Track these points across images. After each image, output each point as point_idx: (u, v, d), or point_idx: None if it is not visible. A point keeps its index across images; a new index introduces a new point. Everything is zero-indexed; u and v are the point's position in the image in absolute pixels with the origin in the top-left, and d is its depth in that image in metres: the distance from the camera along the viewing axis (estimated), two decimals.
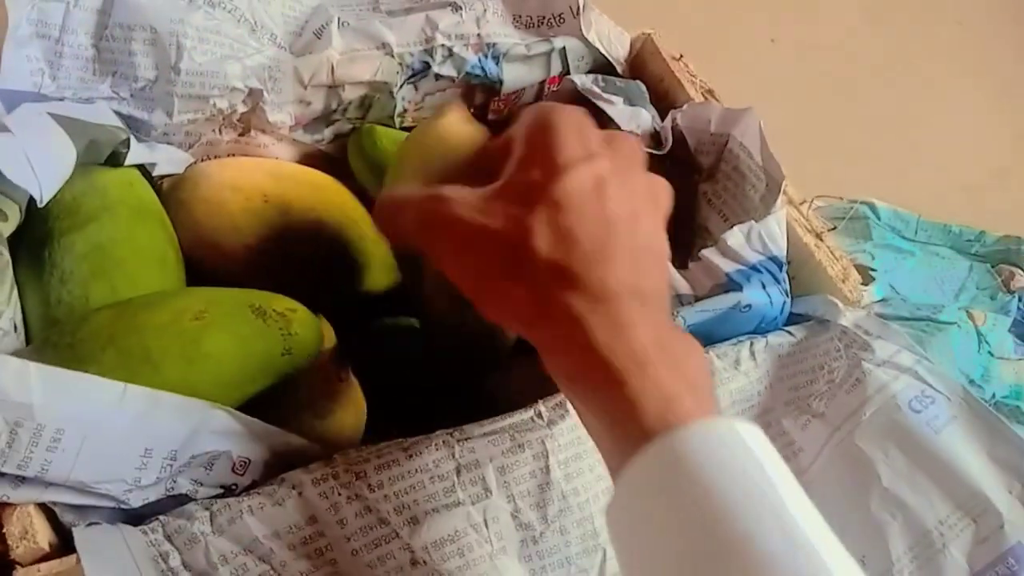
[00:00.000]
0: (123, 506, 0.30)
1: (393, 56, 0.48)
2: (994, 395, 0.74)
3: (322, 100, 0.48)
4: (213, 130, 0.46)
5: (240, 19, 0.45)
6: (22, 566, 0.28)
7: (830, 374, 0.41)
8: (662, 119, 0.51)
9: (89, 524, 0.30)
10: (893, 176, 0.84)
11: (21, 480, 0.28)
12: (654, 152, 0.49)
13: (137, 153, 0.41)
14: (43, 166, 0.33)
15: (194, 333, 0.32)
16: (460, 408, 0.36)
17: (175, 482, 0.31)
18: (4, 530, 0.28)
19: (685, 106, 0.50)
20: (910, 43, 0.99)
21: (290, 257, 0.44)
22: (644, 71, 0.55)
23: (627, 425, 0.26)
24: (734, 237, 0.44)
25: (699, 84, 0.53)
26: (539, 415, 0.35)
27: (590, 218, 0.28)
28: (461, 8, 0.49)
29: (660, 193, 0.32)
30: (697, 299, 0.43)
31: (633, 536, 0.26)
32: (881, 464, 0.37)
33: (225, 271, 0.44)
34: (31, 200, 0.35)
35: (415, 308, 0.47)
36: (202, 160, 0.47)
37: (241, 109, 0.45)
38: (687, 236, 0.53)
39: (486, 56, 0.50)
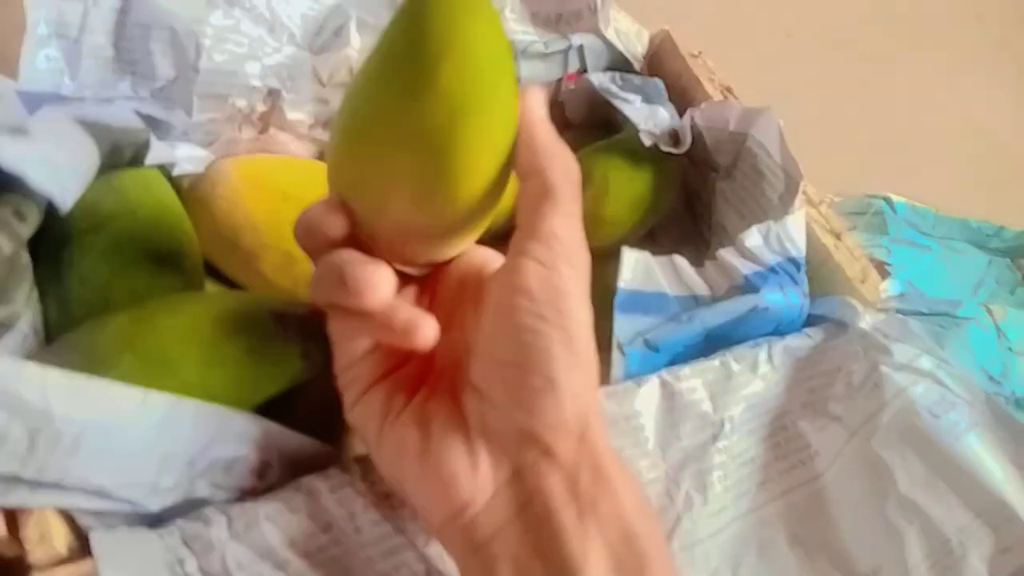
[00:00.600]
0: (141, 510, 0.30)
1: None
2: (1013, 391, 0.73)
3: (341, 99, 0.48)
4: (232, 129, 0.46)
5: (259, 18, 0.45)
6: (39, 570, 0.29)
7: (848, 376, 0.40)
8: (680, 116, 0.51)
9: (107, 528, 0.30)
10: (910, 170, 0.83)
11: (39, 485, 0.28)
12: (673, 152, 0.48)
13: (157, 153, 0.42)
14: (66, 172, 0.33)
15: (212, 338, 0.33)
16: None
17: (193, 485, 0.31)
18: (22, 534, 0.28)
19: (703, 105, 0.50)
20: (928, 37, 0.98)
21: None
22: (662, 68, 0.55)
23: None
24: (752, 238, 0.43)
25: (717, 81, 0.53)
26: None
27: None
28: None
29: None
30: (714, 300, 0.43)
31: None
32: (899, 470, 0.37)
33: (244, 270, 0.44)
34: (51, 201, 0.35)
35: None
36: (221, 158, 0.47)
37: (260, 108, 0.45)
38: (704, 234, 0.53)
39: None
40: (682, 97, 0.54)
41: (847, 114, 0.86)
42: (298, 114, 0.47)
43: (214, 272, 0.45)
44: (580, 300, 0.28)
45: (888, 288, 0.52)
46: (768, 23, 0.92)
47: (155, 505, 0.30)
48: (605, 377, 0.38)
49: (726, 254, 0.43)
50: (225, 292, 0.36)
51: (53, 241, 0.37)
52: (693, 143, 0.50)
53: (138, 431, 0.29)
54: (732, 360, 0.40)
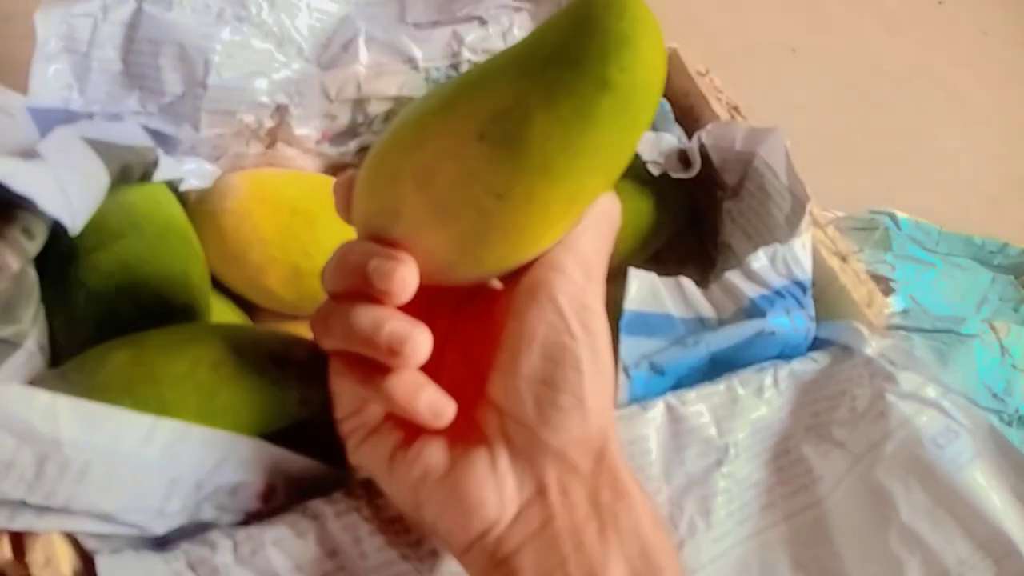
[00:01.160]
0: (147, 534, 0.30)
1: (419, 70, 0.48)
2: (1017, 409, 0.73)
3: (348, 114, 0.48)
4: (240, 144, 0.46)
5: (267, 33, 0.45)
6: None
7: (852, 401, 0.40)
8: (688, 136, 0.51)
9: (112, 552, 0.30)
10: (915, 187, 0.83)
11: (46, 510, 0.28)
12: (682, 176, 0.48)
13: (165, 168, 0.42)
14: (76, 194, 0.33)
15: (211, 385, 0.32)
16: None
17: (199, 509, 0.31)
18: (28, 558, 0.28)
19: (710, 125, 0.50)
20: (933, 53, 0.98)
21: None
22: (669, 86, 0.55)
23: None
24: (758, 260, 0.43)
25: (724, 100, 0.53)
26: None
27: None
28: (487, 22, 0.49)
29: None
30: (720, 323, 0.43)
31: None
32: (901, 499, 0.37)
33: (251, 284, 0.44)
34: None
35: None
36: (229, 173, 0.47)
37: (268, 124, 0.45)
38: (710, 254, 0.53)
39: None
40: (689, 115, 0.54)
41: (852, 129, 0.86)
42: (305, 129, 0.47)
43: (221, 287, 0.45)
44: (603, 316, 0.28)
45: (892, 305, 0.52)
46: (773, 39, 0.92)
47: (160, 528, 0.31)
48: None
49: (732, 276, 0.43)
50: (227, 331, 0.36)
51: (60, 258, 0.37)
52: (700, 163, 0.50)
53: (145, 458, 0.29)
54: (737, 384, 0.40)
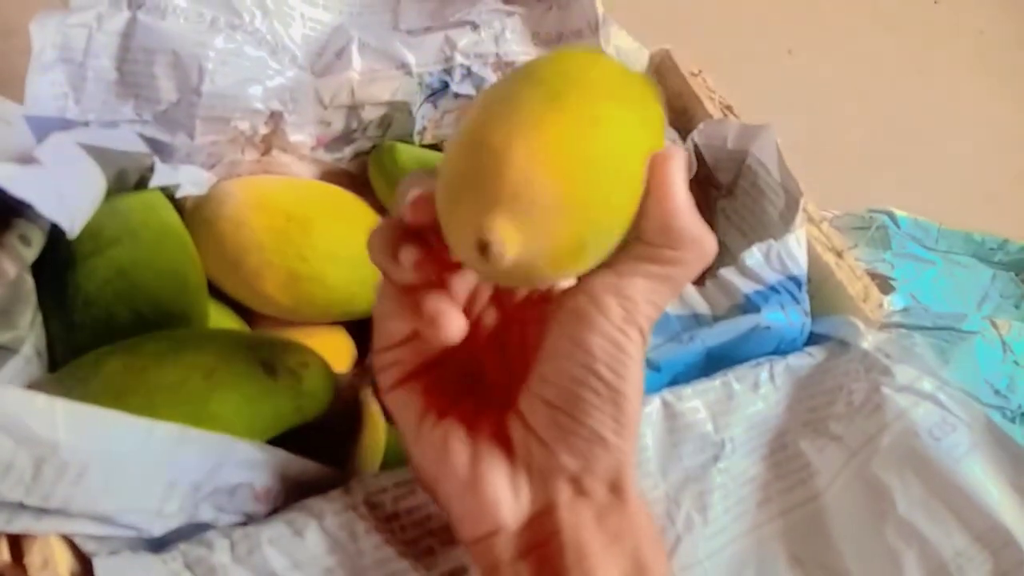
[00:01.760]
0: (145, 535, 0.30)
1: (412, 75, 0.48)
2: (1020, 405, 0.73)
3: (342, 120, 0.48)
4: (235, 151, 0.47)
5: (261, 41, 0.45)
6: None
7: (849, 396, 0.40)
8: (682, 136, 0.51)
9: (110, 553, 0.30)
10: (913, 185, 0.84)
11: (44, 512, 0.28)
12: None
13: (160, 175, 0.42)
14: (73, 198, 0.34)
15: (202, 394, 0.33)
16: None
17: (197, 510, 0.31)
18: (25, 560, 0.28)
19: (701, 124, 0.50)
20: (930, 52, 0.98)
21: None
22: (662, 87, 0.55)
23: None
24: (752, 257, 0.43)
25: (717, 100, 0.53)
26: None
27: None
28: (479, 27, 0.49)
29: None
30: (715, 319, 0.43)
31: None
32: (898, 492, 0.37)
33: (248, 289, 0.45)
34: (54, 225, 0.35)
35: None
36: (225, 180, 0.48)
37: (263, 130, 0.46)
38: None
39: (504, 74, 0.50)
40: (682, 116, 0.54)
41: (849, 130, 0.86)
42: (300, 136, 0.47)
43: (218, 292, 0.46)
44: (640, 363, 0.27)
45: (891, 303, 0.52)
46: (769, 41, 0.92)
47: (158, 530, 0.31)
48: None
49: (727, 273, 0.43)
50: (218, 336, 0.36)
51: (57, 264, 0.38)
52: (696, 165, 0.50)
53: (144, 460, 0.29)
54: (733, 380, 0.40)
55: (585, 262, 0.25)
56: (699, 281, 0.44)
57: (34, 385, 0.33)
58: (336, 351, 0.47)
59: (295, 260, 0.44)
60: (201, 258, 0.43)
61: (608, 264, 0.26)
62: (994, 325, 0.76)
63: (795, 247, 0.44)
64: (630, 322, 0.26)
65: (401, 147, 0.50)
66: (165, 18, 0.42)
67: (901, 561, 0.35)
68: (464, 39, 0.49)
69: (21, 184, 0.31)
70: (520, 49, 0.50)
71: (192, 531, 0.32)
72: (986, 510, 0.35)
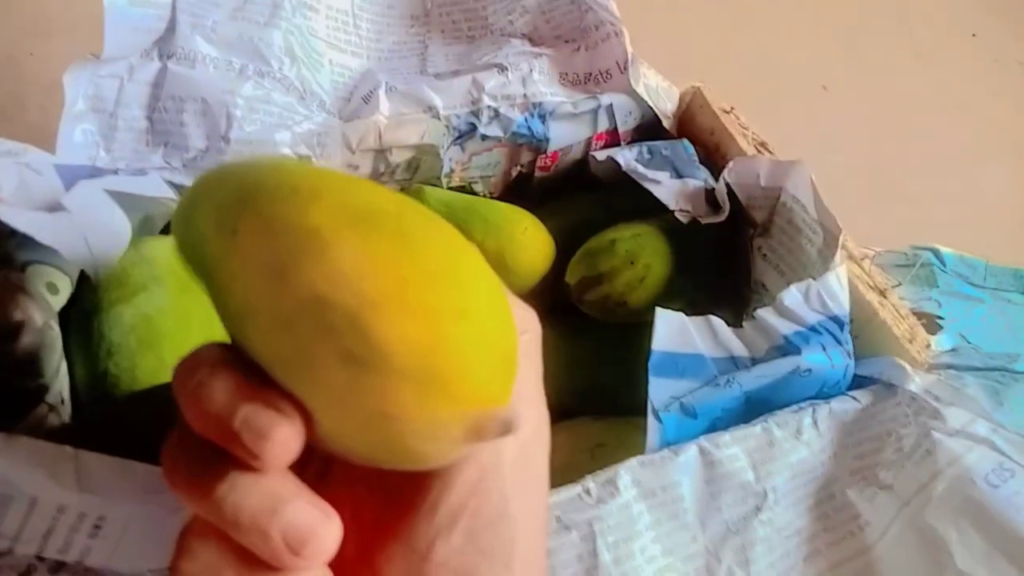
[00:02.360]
0: None
1: (440, 119, 0.48)
2: None
3: (370, 163, 0.48)
4: None
5: (289, 87, 0.45)
6: None
7: (898, 442, 0.38)
8: (714, 174, 0.50)
9: None
10: (957, 220, 0.81)
11: (60, 565, 0.28)
12: (712, 221, 0.47)
13: None
14: (98, 245, 0.34)
15: None
16: None
17: None
18: None
19: (732, 162, 0.49)
20: (969, 85, 0.96)
21: None
22: (693, 124, 0.54)
23: None
24: (791, 296, 0.42)
25: (751, 136, 0.52)
26: (587, 492, 0.34)
27: None
28: (507, 69, 0.49)
29: None
30: (754, 361, 0.41)
31: None
32: (955, 543, 0.34)
33: None
34: (82, 273, 0.35)
35: None
36: None
37: None
38: (743, 292, 0.52)
39: (532, 115, 0.50)
40: (715, 153, 0.53)
41: (887, 166, 0.85)
42: None
43: None
44: (543, 483, 0.23)
45: (939, 343, 0.50)
46: (802, 77, 0.92)
47: None
48: (641, 445, 0.37)
49: (765, 314, 0.42)
50: None
51: (83, 311, 0.38)
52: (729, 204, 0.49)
53: (162, 509, 0.28)
54: (774, 426, 0.39)
55: None
56: (737, 323, 0.43)
57: (58, 433, 0.33)
58: None
59: None
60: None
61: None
62: None
63: (835, 286, 0.43)
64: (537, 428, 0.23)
65: (429, 190, 0.50)
66: (195, 67, 0.43)
67: None
68: (491, 81, 0.49)
69: (48, 231, 0.32)
70: (547, 90, 0.50)
71: None
72: None
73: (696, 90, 0.54)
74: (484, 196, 0.55)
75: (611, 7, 0.52)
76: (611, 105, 0.51)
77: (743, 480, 0.37)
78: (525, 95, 0.49)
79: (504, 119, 0.50)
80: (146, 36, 0.43)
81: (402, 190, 0.51)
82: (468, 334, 0.19)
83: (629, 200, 0.51)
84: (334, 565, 0.21)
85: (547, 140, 0.51)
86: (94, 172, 0.39)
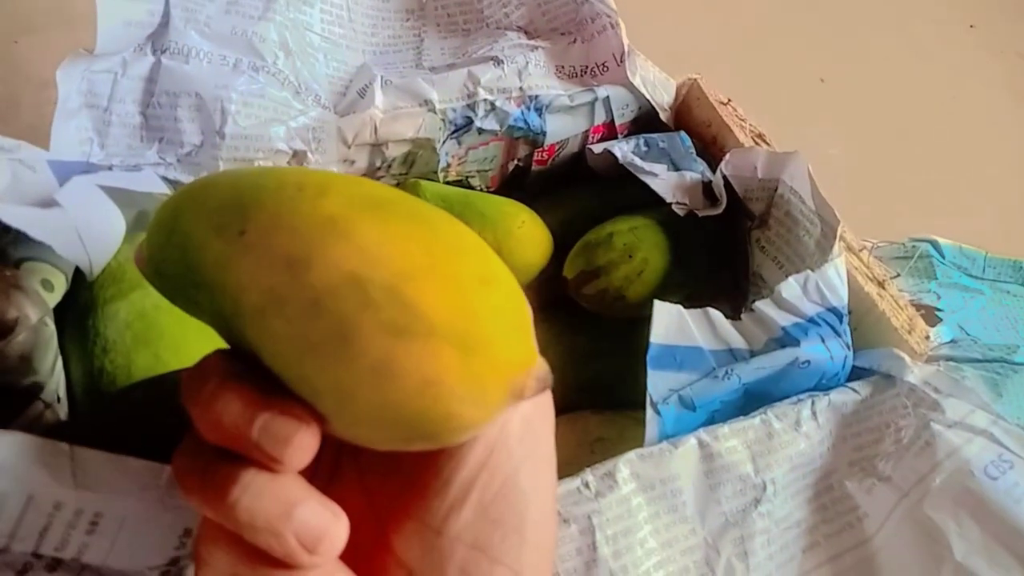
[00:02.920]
0: None
1: (436, 112, 0.48)
2: None
3: (366, 158, 0.48)
4: None
5: (284, 82, 0.45)
6: None
7: (897, 434, 0.38)
8: (712, 167, 0.50)
9: None
10: (956, 212, 0.81)
11: (57, 563, 0.28)
12: (709, 214, 0.47)
13: None
14: (93, 240, 0.33)
15: None
16: None
17: None
18: None
19: (728, 154, 0.49)
20: (967, 77, 0.96)
21: None
22: (690, 116, 0.54)
23: None
24: (789, 288, 0.42)
25: (748, 128, 0.52)
26: (586, 485, 0.34)
27: None
28: (503, 62, 0.49)
29: None
30: (752, 354, 0.41)
31: None
32: (954, 536, 0.34)
33: None
34: (77, 270, 0.35)
35: None
36: None
37: None
38: (741, 285, 0.52)
39: (528, 109, 0.50)
40: (712, 145, 0.53)
41: (884, 157, 0.84)
42: None
43: None
44: (551, 459, 0.23)
45: (938, 335, 0.49)
46: (799, 69, 0.91)
47: None
48: (641, 438, 0.37)
49: (763, 306, 0.42)
50: None
51: (78, 308, 0.37)
52: (726, 196, 0.49)
53: (158, 506, 0.28)
54: (773, 418, 0.38)
55: None
56: (735, 314, 0.43)
57: (53, 430, 0.33)
58: None
59: None
60: None
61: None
62: None
63: (834, 277, 0.42)
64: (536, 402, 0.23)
65: (426, 184, 0.50)
66: (189, 61, 0.42)
67: None
68: (487, 74, 0.49)
69: (41, 227, 0.31)
70: (544, 83, 0.50)
71: None
72: None
73: (693, 82, 0.54)
74: (481, 190, 0.55)
75: None
76: (608, 98, 0.51)
77: (742, 472, 0.37)
78: (521, 88, 0.49)
79: (500, 112, 0.49)
80: (139, 30, 0.43)
81: (398, 185, 0.51)
82: (496, 299, 0.20)
83: (626, 193, 0.51)
84: (353, 552, 0.21)
85: (544, 133, 0.51)
86: (88, 168, 0.39)
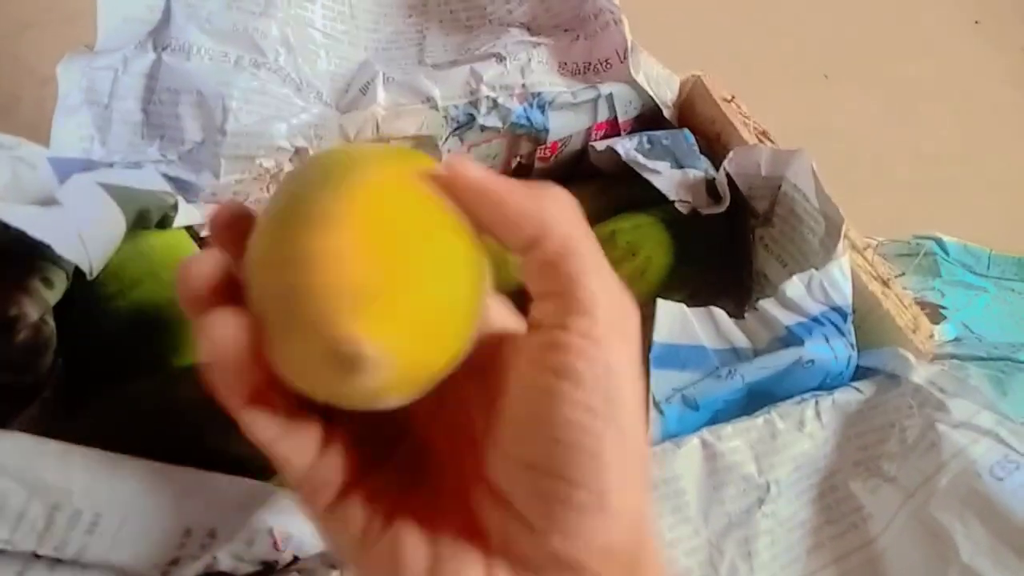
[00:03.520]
0: None
1: (438, 109, 0.47)
2: None
3: None
4: (260, 188, 0.46)
5: (286, 79, 0.45)
6: None
7: (902, 433, 0.38)
8: (715, 164, 0.49)
9: None
10: (961, 209, 0.81)
11: (57, 562, 0.28)
12: (712, 212, 0.47)
13: (185, 215, 0.42)
14: (93, 238, 0.33)
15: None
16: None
17: (215, 559, 0.30)
18: None
19: (732, 152, 0.49)
20: (972, 72, 0.95)
21: None
22: (694, 113, 0.54)
23: None
24: (793, 287, 0.41)
25: (752, 125, 0.52)
26: None
27: None
28: (505, 59, 0.49)
29: None
30: (756, 353, 0.41)
31: None
32: (960, 536, 0.34)
33: None
34: (78, 267, 0.35)
35: None
36: None
37: (287, 168, 0.45)
38: (745, 283, 0.52)
39: (531, 105, 0.49)
40: (716, 142, 0.52)
41: (889, 154, 0.84)
42: None
43: None
44: (632, 382, 0.21)
45: (943, 333, 0.49)
46: (803, 65, 0.91)
47: None
48: None
49: (767, 305, 0.42)
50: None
51: (79, 305, 0.37)
52: (729, 194, 0.48)
53: (158, 505, 0.28)
54: (777, 417, 0.38)
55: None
56: (739, 313, 0.42)
57: (52, 428, 0.33)
58: None
59: None
60: None
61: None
62: None
63: (838, 276, 0.42)
64: (606, 329, 0.22)
65: None
66: (190, 58, 0.42)
67: None
68: (490, 71, 0.48)
69: (40, 226, 0.31)
70: (546, 80, 0.50)
71: None
72: None
73: (697, 79, 0.53)
74: None
75: None
76: (611, 94, 0.51)
77: (745, 472, 0.36)
78: (524, 85, 0.49)
79: (503, 109, 0.49)
80: (140, 27, 0.42)
81: None
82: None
83: (629, 191, 0.50)
84: (452, 464, 0.24)
85: (546, 130, 0.50)
86: (88, 165, 0.39)
